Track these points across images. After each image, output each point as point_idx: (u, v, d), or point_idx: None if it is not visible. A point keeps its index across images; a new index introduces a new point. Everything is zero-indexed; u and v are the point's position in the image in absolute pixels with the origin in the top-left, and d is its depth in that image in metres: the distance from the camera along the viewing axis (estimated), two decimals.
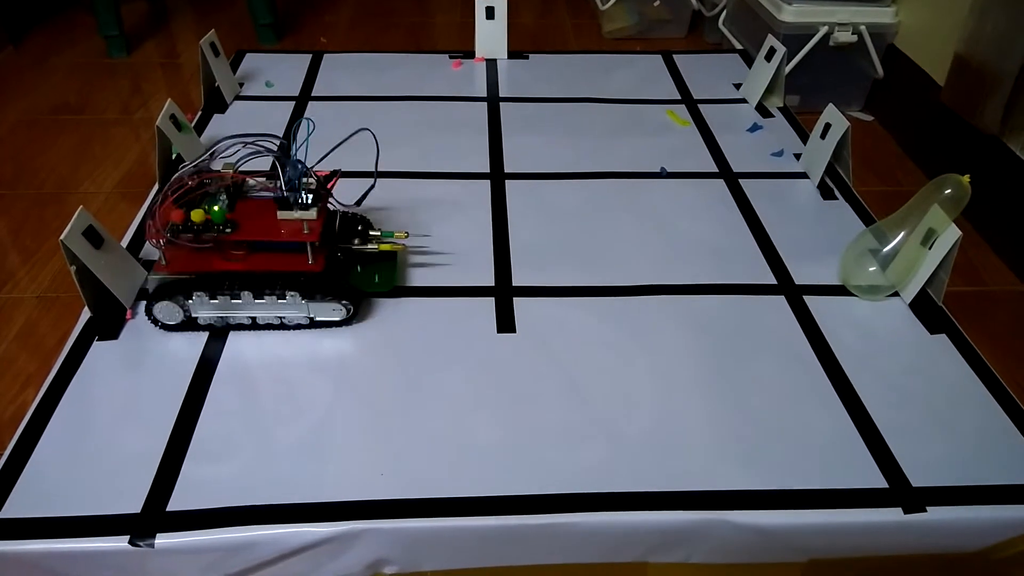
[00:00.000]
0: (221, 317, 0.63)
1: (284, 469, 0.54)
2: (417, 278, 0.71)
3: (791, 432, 0.58)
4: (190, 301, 0.62)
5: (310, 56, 1.12)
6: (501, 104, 1.00)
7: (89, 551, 0.49)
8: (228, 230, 0.60)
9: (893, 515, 0.52)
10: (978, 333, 0.69)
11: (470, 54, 1.13)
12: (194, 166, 0.62)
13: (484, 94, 1.03)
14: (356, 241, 0.68)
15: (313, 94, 1.02)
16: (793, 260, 0.75)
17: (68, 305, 0.95)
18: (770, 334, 0.66)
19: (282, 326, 0.64)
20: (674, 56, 1.16)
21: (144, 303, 0.63)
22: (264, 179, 0.65)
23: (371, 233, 0.69)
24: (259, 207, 0.62)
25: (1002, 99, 1.05)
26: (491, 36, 1.12)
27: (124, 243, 0.73)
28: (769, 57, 1.00)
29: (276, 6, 1.64)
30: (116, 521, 0.50)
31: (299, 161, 0.61)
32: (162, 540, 0.49)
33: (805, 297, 0.70)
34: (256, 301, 0.62)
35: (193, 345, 0.63)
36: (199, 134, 0.91)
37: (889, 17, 1.32)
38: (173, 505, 0.51)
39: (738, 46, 1.50)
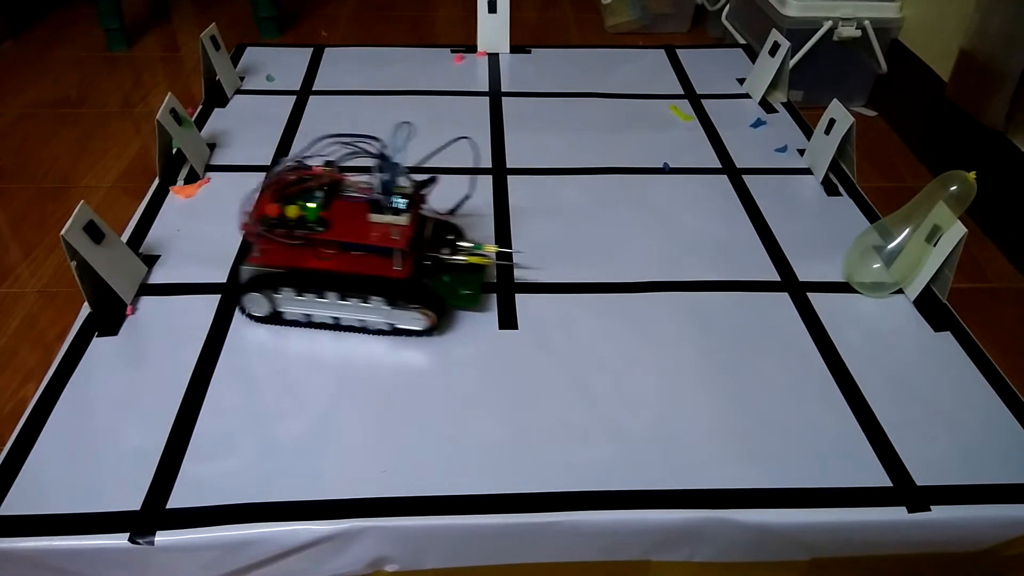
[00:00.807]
0: (306, 314, 0.63)
1: (285, 466, 0.54)
2: None
3: (795, 430, 0.58)
4: (277, 295, 0.62)
5: (311, 50, 1.11)
6: (503, 99, 1.00)
7: (89, 549, 0.49)
8: (320, 228, 0.60)
9: (897, 514, 0.52)
10: (982, 330, 0.69)
11: (472, 48, 1.12)
12: (294, 161, 0.61)
13: (486, 89, 1.02)
14: (446, 250, 0.66)
15: (314, 88, 1.01)
16: (797, 257, 0.74)
17: (68, 300, 0.95)
18: (774, 331, 0.66)
19: (363, 330, 0.64)
20: (677, 51, 1.15)
21: (239, 292, 0.63)
22: (363, 179, 0.63)
23: (460, 244, 0.67)
24: (354, 208, 0.61)
25: (1007, 95, 1.04)
26: (493, 30, 1.11)
27: (125, 238, 0.73)
28: (773, 52, 0.99)
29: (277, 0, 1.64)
30: (116, 518, 0.50)
31: (397, 164, 0.60)
32: (162, 538, 0.49)
33: (809, 294, 0.70)
34: (340, 302, 0.62)
35: (193, 341, 0.63)
36: (200, 128, 0.91)
37: (893, 12, 1.32)
38: (173, 502, 0.51)
39: (741, 41, 1.49)
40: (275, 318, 0.64)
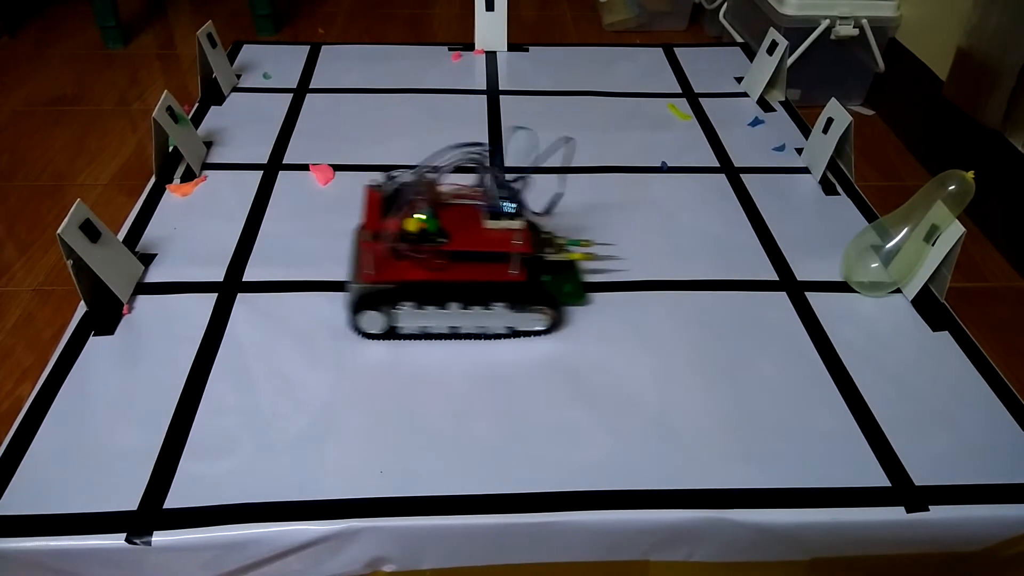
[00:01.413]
0: (423, 327, 0.63)
1: (282, 466, 0.53)
2: None
3: (793, 430, 0.57)
4: (396, 311, 0.61)
5: (308, 48, 1.11)
6: (501, 97, 1.00)
7: (85, 549, 0.49)
8: (442, 240, 0.59)
9: (895, 514, 0.52)
10: (980, 330, 0.69)
11: (470, 46, 1.12)
12: (414, 176, 0.61)
13: (484, 87, 1.02)
14: (549, 250, 0.67)
15: (311, 86, 1.01)
16: (795, 256, 0.74)
17: (65, 298, 0.95)
18: (772, 330, 0.66)
19: (481, 336, 0.64)
20: (675, 49, 1.15)
21: (350, 313, 0.62)
22: (464, 186, 0.63)
23: (558, 241, 0.68)
24: (460, 215, 0.61)
25: (1005, 93, 1.04)
26: (491, 28, 1.11)
27: (121, 236, 0.72)
28: (771, 51, 0.99)
29: None
30: (113, 518, 0.50)
31: (506, 170, 0.60)
32: (159, 538, 0.49)
33: (807, 293, 0.70)
34: (462, 311, 0.62)
35: (190, 340, 0.63)
36: (196, 126, 0.91)
37: (891, 10, 1.32)
38: (170, 502, 0.51)
39: (739, 39, 1.49)
40: (389, 334, 0.63)
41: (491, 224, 0.60)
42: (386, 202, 0.61)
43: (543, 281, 0.66)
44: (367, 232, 0.60)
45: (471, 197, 0.62)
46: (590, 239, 0.69)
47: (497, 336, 0.64)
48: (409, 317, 0.62)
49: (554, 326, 0.64)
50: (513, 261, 0.61)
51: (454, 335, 0.64)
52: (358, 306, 0.61)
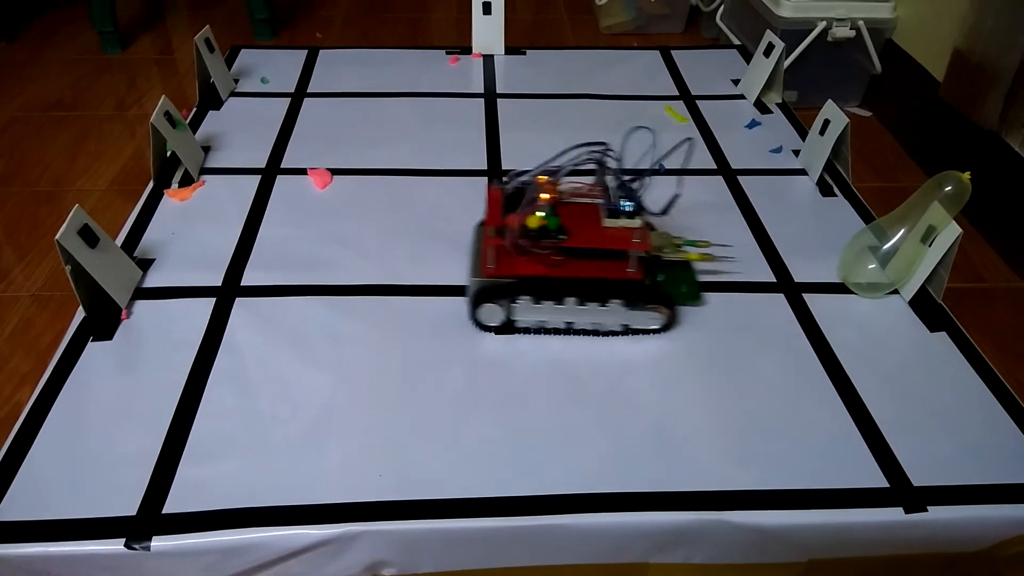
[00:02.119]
0: (540, 321, 0.64)
1: (281, 470, 0.53)
2: (414, 276, 0.70)
3: (791, 431, 0.58)
4: (515, 304, 0.62)
5: (306, 52, 1.11)
6: (498, 100, 1.00)
7: (84, 554, 0.49)
8: (562, 237, 0.60)
9: (894, 515, 0.52)
10: (978, 330, 0.69)
11: (467, 50, 1.12)
12: (538, 171, 0.62)
13: (481, 90, 1.02)
14: (666, 250, 0.67)
15: (309, 90, 1.01)
16: (792, 257, 0.74)
17: (63, 304, 0.95)
18: (769, 332, 0.66)
19: (595, 332, 0.65)
20: (672, 52, 1.15)
21: (470, 305, 0.64)
22: (583, 185, 0.64)
23: (675, 241, 0.69)
24: (580, 213, 0.62)
25: (1001, 94, 1.04)
26: (488, 32, 1.11)
27: (119, 241, 0.72)
28: (767, 53, 1.00)
29: (272, 1, 1.63)
30: (112, 524, 0.50)
31: (625, 170, 0.61)
32: (158, 543, 0.49)
33: (804, 295, 0.70)
34: (578, 307, 0.63)
35: (189, 345, 0.63)
36: (194, 131, 0.91)
37: (887, 12, 1.32)
38: (169, 507, 0.51)
39: (736, 41, 1.49)
40: (506, 327, 0.64)
41: (610, 222, 0.61)
42: (507, 200, 0.62)
43: (658, 280, 0.67)
44: (490, 228, 0.61)
45: (590, 196, 0.63)
46: (708, 240, 0.70)
47: (610, 333, 0.65)
48: (526, 311, 0.63)
49: (668, 325, 0.65)
50: (631, 259, 0.62)
51: (568, 330, 0.65)
52: (478, 299, 0.63)
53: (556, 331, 0.65)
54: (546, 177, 0.62)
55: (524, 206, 0.60)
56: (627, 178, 0.62)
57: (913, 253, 0.68)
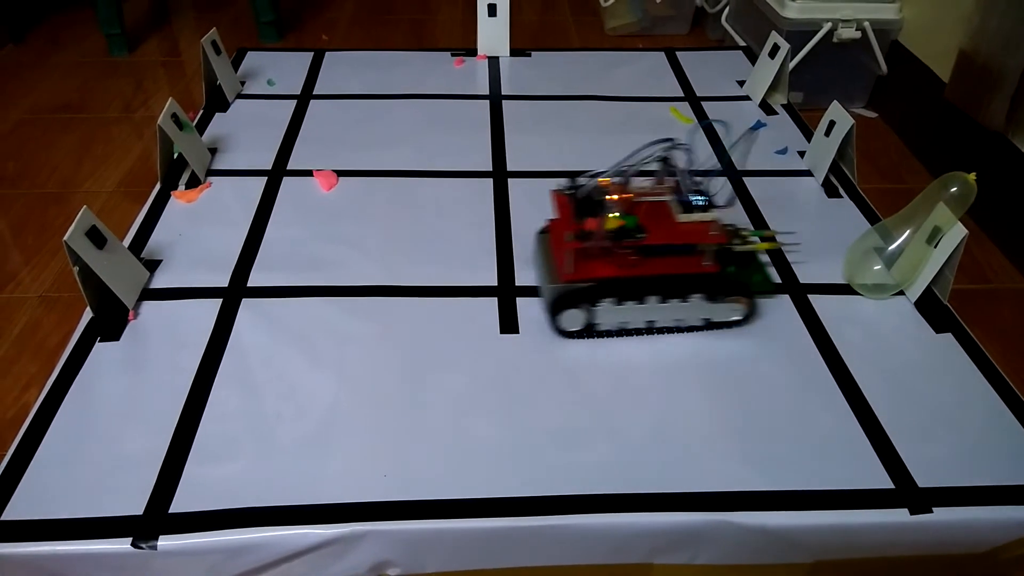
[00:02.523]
0: (622, 322, 0.64)
1: (287, 470, 0.54)
2: (419, 277, 0.71)
3: (796, 432, 0.58)
4: (596, 308, 0.63)
5: (311, 54, 1.11)
6: (503, 102, 1.00)
7: (91, 553, 0.49)
8: (641, 235, 0.60)
9: (899, 516, 0.52)
10: (984, 332, 0.69)
11: (472, 52, 1.13)
12: (609, 173, 0.62)
13: (486, 92, 1.03)
14: (735, 241, 0.68)
15: (315, 92, 1.01)
16: (797, 258, 0.74)
17: (71, 305, 0.95)
18: (775, 333, 0.66)
19: (677, 329, 0.65)
20: (677, 53, 1.15)
21: (550, 312, 0.64)
22: (649, 183, 0.64)
23: (742, 233, 0.69)
24: (650, 211, 0.62)
25: (1007, 95, 1.04)
26: (493, 33, 1.11)
27: (127, 243, 0.73)
28: (772, 54, 0.99)
29: (278, 3, 1.64)
30: (118, 523, 0.50)
31: (692, 168, 0.62)
32: (165, 542, 0.49)
33: (810, 296, 0.70)
34: (660, 305, 0.63)
35: (195, 345, 0.63)
36: (201, 133, 0.91)
37: (893, 13, 1.32)
38: (176, 507, 0.51)
39: (741, 43, 1.49)
40: (587, 331, 0.64)
41: (684, 217, 0.61)
42: (577, 204, 0.62)
43: (732, 271, 0.68)
44: (569, 232, 0.61)
45: (656, 193, 0.63)
46: (774, 229, 0.70)
47: (692, 329, 0.65)
48: (609, 313, 0.63)
49: (749, 316, 0.66)
50: (707, 253, 0.62)
51: (650, 329, 0.65)
52: (559, 305, 0.63)
53: (637, 331, 0.65)
54: (608, 180, 0.62)
55: (608, 208, 0.60)
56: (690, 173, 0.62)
57: (918, 254, 0.68)
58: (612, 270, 0.62)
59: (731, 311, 0.65)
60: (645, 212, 0.62)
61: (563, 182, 0.63)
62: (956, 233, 0.64)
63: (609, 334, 0.65)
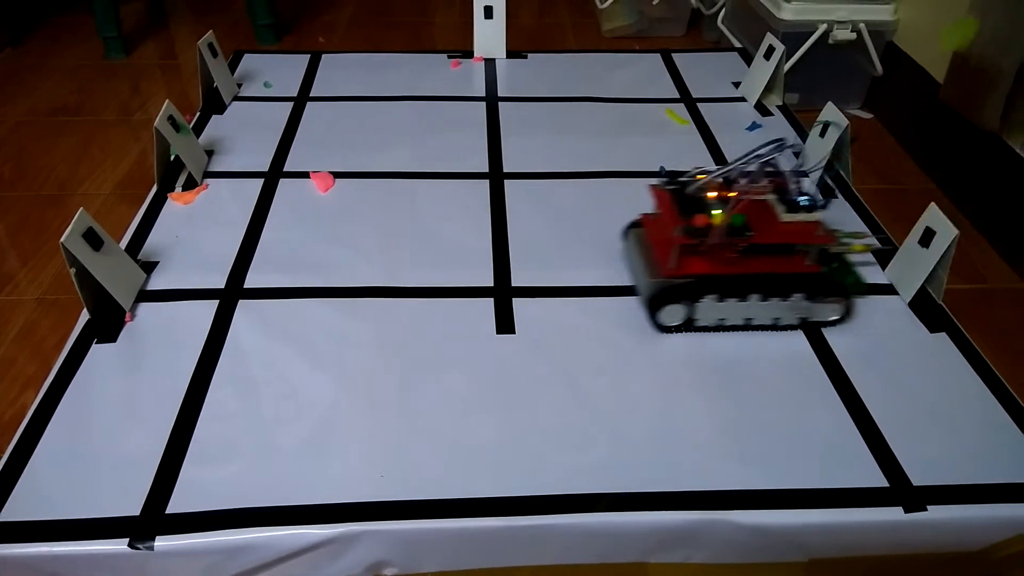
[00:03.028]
0: (720, 318, 0.65)
1: (284, 471, 0.54)
2: (416, 279, 0.71)
3: (791, 431, 0.58)
4: (698, 303, 0.63)
5: (308, 56, 1.11)
6: (500, 104, 1.00)
7: (88, 554, 0.49)
8: (749, 233, 0.61)
9: (894, 514, 0.52)
10: (978, 331, 0.69)
11: (469, 54, 1.13)
12: (722, 173, 0.63)
13: (483, 94, 1.03)
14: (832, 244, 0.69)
15: (312, 94, 1.02)
16: None
17: (68, 307, 0.95)
18: (769, 333, 0.66)
19: (773, 327, 0.66)
20: (673, 55, 1.15)
21: (650, 306, 0.64)
22: (757, 182, 0.64)
23: (835, 234, 0.70)
24: (753, 210, 0.62)
25: (1001, 96, 1.04)
26: (490, 36, 1.11)
27: (123, 245, 0.73)
28: (768, 55, 1.00)
29: (275, 6, 1.64)
30: (115, 524, 0.50)
31: (798, 167, 0.63)
32: (162, 543, 0.49)
33: None
34: (760, 303, 0.64)
35: (192, 347, 0.63)
36: (197, 135, 0.91)
37: (888, 15, 1.32)
38: (172, 507, 0.51)
39: (737, 44, 1.49)
40: (686, 325, 0.65)
41: (789, 217, 0.62)
42: (679, 200, 0.63)
43: (832, 271, 0.69)
44: (677, 227, 0.61)
45: (758, 192, 0.63)
46: (864, 232, 0.71)
47: (788, 327, 0.66)
48: (709, 309, 0.64)
49: (846, 316, 0.66)
50: (811, 252, 0.63)
51: (747, 327, 0.65)
52: (661, 300, 0.63)
53: (734, 328, 0.65)
54: (705, 176, 0.63)
55: (733, 205, 0.61)
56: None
57: (911, 255, 0.68)
58: (715, 267, 0.63)
59: (830, 311, 0.65)
60: (747, 211, 0.62)
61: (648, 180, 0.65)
62: (947, 233, 0.65)
63: (707, 330, 0.65)
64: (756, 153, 0.62)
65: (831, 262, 0.70)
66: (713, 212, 0.61)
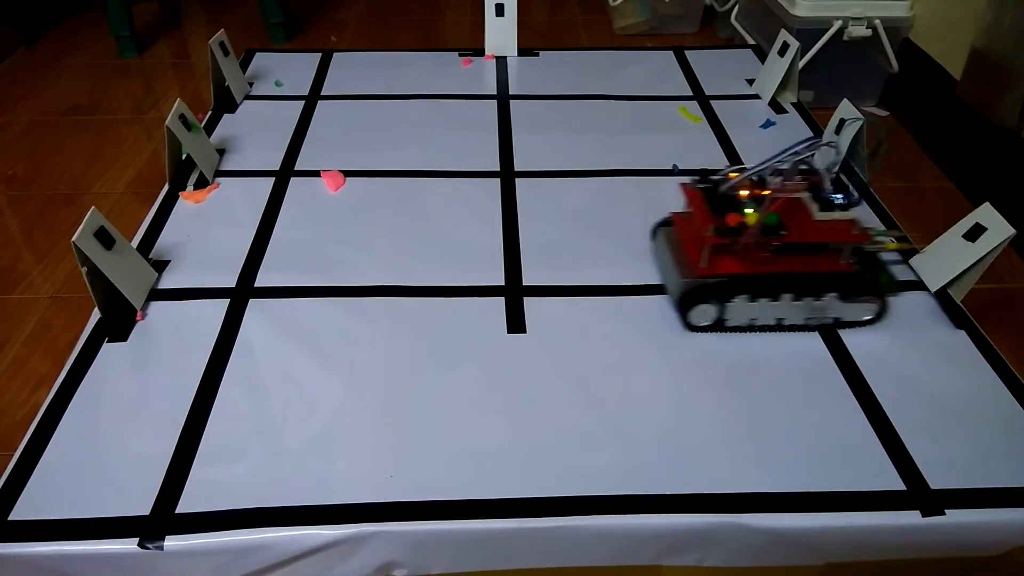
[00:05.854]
0: (752, 318, 0.64)
1: (293, 471, 0.54)
2: (427, 278, 0.70)
3: (806, 433, 0.57)
4: (729, 303, 0.63)
5: (320, 55, 1.11)
6: (511, 102, 1.00)
7: (98, 553, 0.49)
8: (783, 232, 0.60)
9: (911, 518, 0.51)
10: (997, 332, 0.68)
11: (480, 52, 1.12)
12: (748, 175, 0.63)
13: (494, 92, 1.02)
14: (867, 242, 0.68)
15: (323, 93, 1.02)
16: None
17: (81, 306, 0.96)
18: (784, 333, 0.66)
19: (805, 327, 0.65)
20: (686, 52, 1.15)
21: (680, 306, 0.64)
22: (787, 180, 0.64)
23: (868, 232, 0.69)
24: (787, 208, 0.62)
25: (1019, 93, 1.03)
26: (501, 33, 1.11)
27: (135, 244, 0.73)
28: (782, 52, 0.99)
29: (287, 5, 1.64)
30: (126, 523, 0.50)
31: (836, 165, 0.63)
32: (171, 542, 0.49)
33: None
34: (793, 303, 0.63)
35: (203, 346, 0.63)
36: (209, 134, 0.91)
37: (904, 11, 1.31)
38: (182, 507, 0.51)
39: (751, 41, 1.48)
40: (717, 325, 0.65)
41: (823, 215, 0.61)
42: (711, 199, 0.62)
43: (867, 271, 0.67)
44: (710, 226, 0.60)
45: (792, 191, 0.63)
46: (896, 230, 0.71)
47: (821, 327, 0.65)
48: (741, 309, 0.63)
49: (880, 315, 0.65)
50: (845, 252, 0.62)
51: (779, 327, 0.65)
52: (692, 299, 0.63)
53: (765, 328, 0.65)
54: (737, 174, 0.62)
55: (768, 204, 0.60)
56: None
57: (951, 246, 0.67)
58: (747, 266, 0.62)
59: (864, 310, 0.64)
60: (780, 209, 0.61)
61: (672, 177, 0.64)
62: (1001, 231, 0.64)
63: (738, 330, 0.65)
64: (793, 151, 0.61)
65: (867, 261, 0.68)
66: (746, 211, 0.60)
